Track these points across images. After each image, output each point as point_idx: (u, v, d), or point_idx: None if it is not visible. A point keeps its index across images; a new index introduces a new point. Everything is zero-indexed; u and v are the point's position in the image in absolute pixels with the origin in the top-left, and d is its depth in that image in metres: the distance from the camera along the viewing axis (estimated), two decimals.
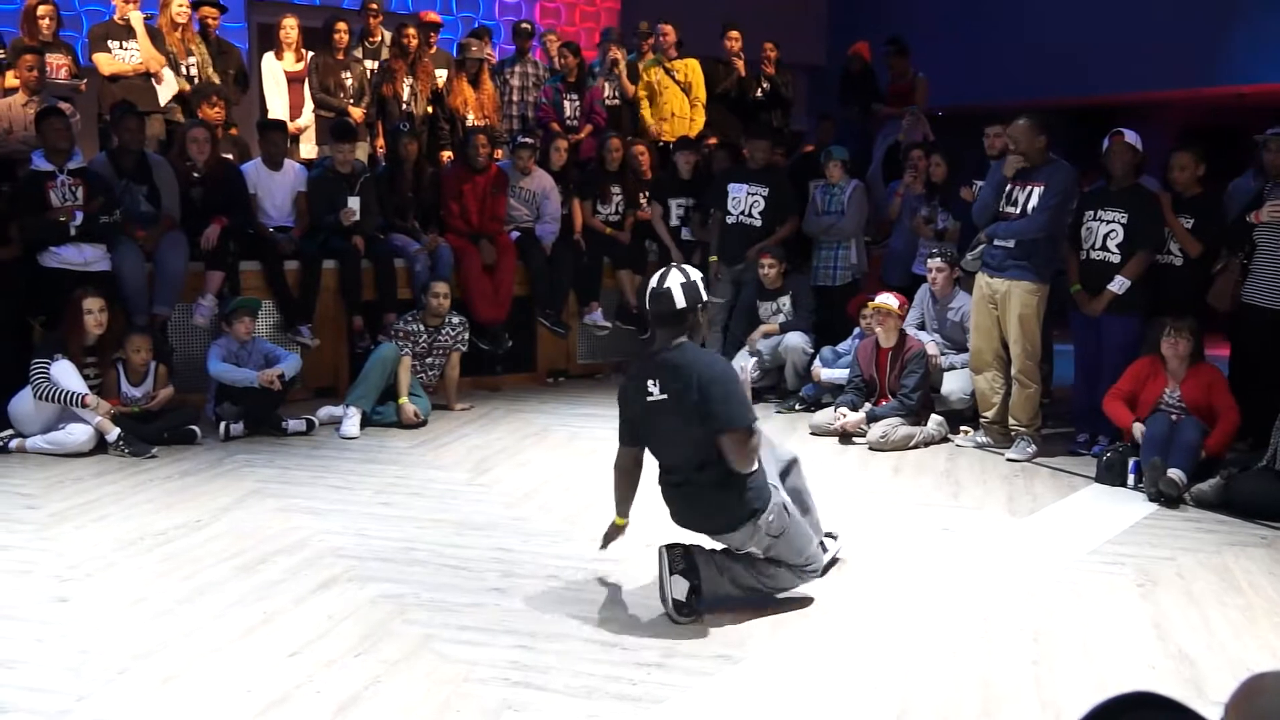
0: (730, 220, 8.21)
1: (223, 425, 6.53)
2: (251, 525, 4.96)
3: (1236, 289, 6.40)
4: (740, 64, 9.90)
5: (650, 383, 3.94)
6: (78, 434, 6.05)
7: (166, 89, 8.03)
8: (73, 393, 6.04)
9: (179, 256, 7.10)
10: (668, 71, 9.61)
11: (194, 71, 8.21)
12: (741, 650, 3.72)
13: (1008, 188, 6.32)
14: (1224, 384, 5.85)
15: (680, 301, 3.93)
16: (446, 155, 8.73)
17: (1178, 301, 6.18)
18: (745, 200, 8.19)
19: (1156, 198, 6.34)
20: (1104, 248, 6.27)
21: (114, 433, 6.08)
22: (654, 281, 4.02)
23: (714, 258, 8.30)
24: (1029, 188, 6.24)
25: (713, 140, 9.41)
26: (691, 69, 9.69)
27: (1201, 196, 6.41)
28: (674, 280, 3.97)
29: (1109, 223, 6.25)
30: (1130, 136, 6.31)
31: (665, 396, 3.91)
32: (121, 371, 6.41)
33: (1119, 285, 6.19)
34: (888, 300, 6.89)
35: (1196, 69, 10.88)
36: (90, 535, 4.78)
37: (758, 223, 8.18)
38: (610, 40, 9.81)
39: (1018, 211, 6.26)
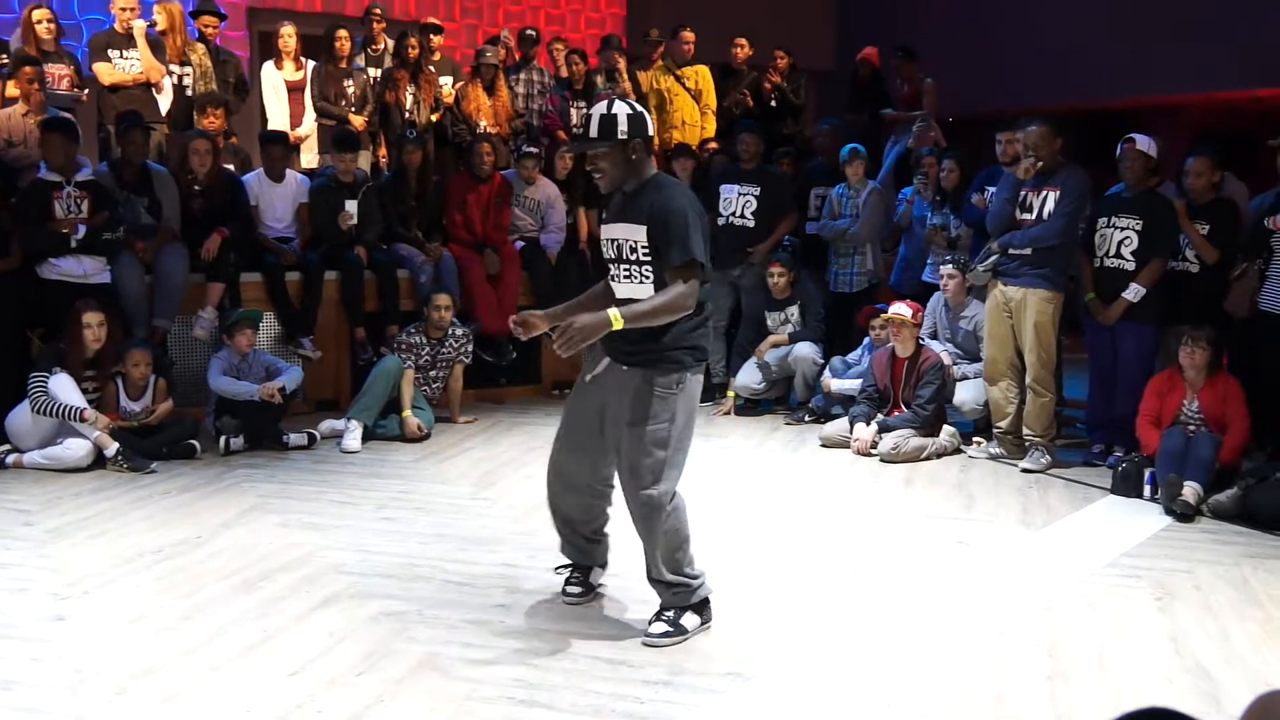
0: (721, 222, 7.98)
1: (223, 439, 6.46)
2: (252, 541, 4.89)
3: (1254, 296, 6.31)
4: (749, 74, 9.89)
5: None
6: (76, 449, 5.98)
7: (166, 99, 8.00)
8: (71, 407, 5.98)
9: (179, 268, 7.05)
10: (678, 79, 9.55)
11: (189, 81, 8.16)
12: (751, 667, 3.64)
13: (1021, 194, 6.24)
14: (1239, 395, 5.74)
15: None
16: None
17: (1194, 309, 6.08)
18: (736, 201, 8.06)
19: (1170, 204, 6.27)
20: (1118, 255, 6.20)
21: (112, 447, 6.01)
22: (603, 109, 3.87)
23: None
24: (1044, 192, 6.16)
25: (713, 145, 9.32)
26: (702, 75, 9.63)
27: (1217, 202, 6.33)
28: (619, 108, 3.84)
29: (1123, 230, 6.19)
30: (1143, 143, 6.25)
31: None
32: (120, 386, 6.35)
33: (1134, 293, 6.13)
34: (901, 310, 6.79)
35: (1209, 72, 10.80)
36: (88, 552, 4.71)
37: (750, 223, 8.03)
38: (612, 48, 9.74)
39: (1033, 217, 6.18)
